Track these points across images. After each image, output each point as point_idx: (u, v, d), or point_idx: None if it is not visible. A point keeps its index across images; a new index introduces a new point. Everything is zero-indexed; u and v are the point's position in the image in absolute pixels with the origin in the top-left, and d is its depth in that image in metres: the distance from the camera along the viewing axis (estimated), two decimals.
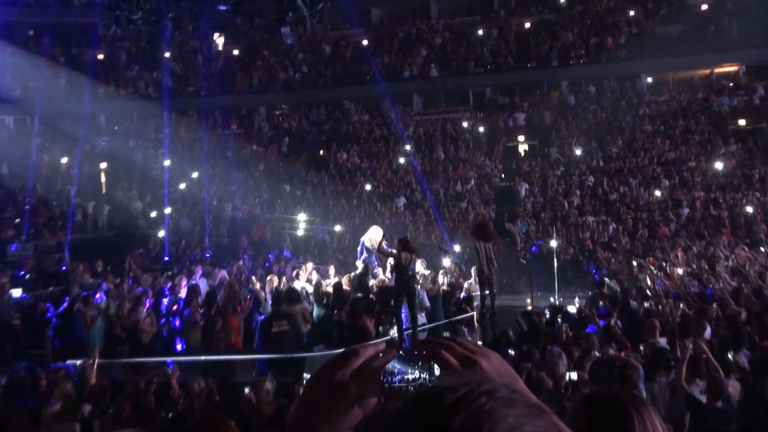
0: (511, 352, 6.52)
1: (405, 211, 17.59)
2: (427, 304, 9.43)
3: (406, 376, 0.86)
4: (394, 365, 0.86)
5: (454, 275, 11.31)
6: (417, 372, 0.86)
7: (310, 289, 9.87)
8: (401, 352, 0.88)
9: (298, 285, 9.82)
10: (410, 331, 8.35)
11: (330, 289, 9.71)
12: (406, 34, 24.14)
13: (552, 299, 11.21)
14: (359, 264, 10.26)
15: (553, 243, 13.25)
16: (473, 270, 9.98)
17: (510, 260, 13.19)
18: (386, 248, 9.29)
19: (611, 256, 13.48)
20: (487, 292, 9.07)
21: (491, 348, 0.94)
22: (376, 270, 10.12)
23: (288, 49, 22.13)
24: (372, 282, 9.54)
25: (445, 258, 10.80)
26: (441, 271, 10.96)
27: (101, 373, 6.02)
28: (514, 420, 0.66)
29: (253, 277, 11.18)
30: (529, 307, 10.21)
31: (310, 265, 10.89)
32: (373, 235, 9.91)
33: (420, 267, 9.79)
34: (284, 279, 10.60)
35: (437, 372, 0.86)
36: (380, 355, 0.89)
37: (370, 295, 9.43)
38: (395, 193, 18.69)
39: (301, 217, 16.47)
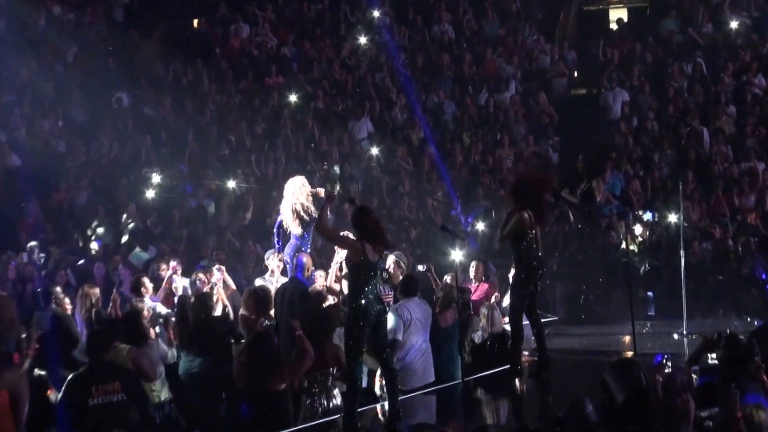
0: None
1: (371, 150, 13.82)
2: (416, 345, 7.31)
3: None
4: None
5: (472, 284, 8.82)
6: None
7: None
8: None
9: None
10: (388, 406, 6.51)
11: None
12: None
13: (676, 335, 9.13)
14: (270, 261, 8.34)
15: (673, 218, 10.34)
16: (511, 276, 7.74)
17: (587, 255, 10.75)
18: (327, 223, 7.33)
19: None
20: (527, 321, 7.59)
21: None
22: (312, 275, 7.95)
23: None
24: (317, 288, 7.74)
25: (455, 248, 8.10)
26: (448, 276, 8.35)
27: None
28: None
29: (57, 289, 8.45)
30: (629, 353, 8.15)
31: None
32: (294, 197, 8.13)
33: (394, 264, 8.17)
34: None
35: None
36: None
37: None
38: (350, 111, 14.72)
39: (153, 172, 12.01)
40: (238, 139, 14.15)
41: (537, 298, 7.56)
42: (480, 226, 11.52)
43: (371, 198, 12.29)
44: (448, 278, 8.30)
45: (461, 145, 13.87)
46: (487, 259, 10.01)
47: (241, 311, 7.36)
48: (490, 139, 14.08)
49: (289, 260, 8.21)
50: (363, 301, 6.18)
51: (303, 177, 8.55)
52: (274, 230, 8.69)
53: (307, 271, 7.59)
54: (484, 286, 8.82)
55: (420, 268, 8.77)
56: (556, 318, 10.03)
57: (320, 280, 7.85)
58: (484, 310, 7.80)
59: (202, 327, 7.19)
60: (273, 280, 8.25)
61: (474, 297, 8.53)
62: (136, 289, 8.02)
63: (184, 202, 13.01)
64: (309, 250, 8.25)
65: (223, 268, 8.43)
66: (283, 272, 8.15)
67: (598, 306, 10.69)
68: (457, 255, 7.67)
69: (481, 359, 7.65)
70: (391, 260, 8.17)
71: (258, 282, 8.63)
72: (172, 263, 8.54)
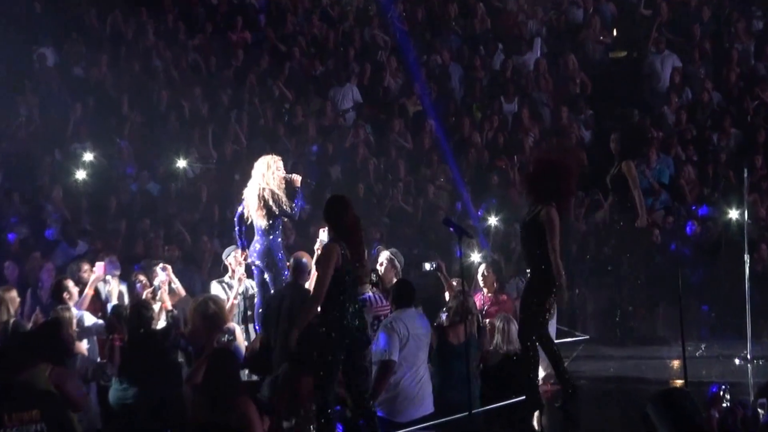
0: None
1: (358, 123, 14.18)
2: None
3: None
4: None
5: (481, 295, 9.02)
6: None
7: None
8: None
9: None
10: None
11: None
12: None
13: (737, 360, 9.29)
14: (231, 260, 8.84)
15: (735, 214, 10.62)
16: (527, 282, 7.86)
17: (625, 258, 10.62)
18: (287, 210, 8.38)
19: None
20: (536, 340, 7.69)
21: None
22: (283, 275, 8.46)
23: None
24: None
25: (465, 249, 8.83)
26: (454, 282, 8.64)
27: None
28: None
29: None
30: (677, 382, 8.37)
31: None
32: (264, 180, 8.56)
33: (388, 263, 8.56)
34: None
35: None
36: None
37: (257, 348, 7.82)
38: (332, 75, 14.96)
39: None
40: (192, 109, 14.21)
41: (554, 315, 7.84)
42: (492, 220, 11.66)
43: (356, 185, 12.43)
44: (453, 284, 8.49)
45: (471, 119, 13.96)
46: (501, 262, 10.17)
47: (189, 328, 7.51)
48: (507, 112, 14.16)
49: (259, 260, 8.40)
50: (337, 314, 6.36)
51: (277, 157, 8.65)
52: (235, 221, 8.80)
53: (308, 274, 7.75)
54: (503, 298, 9.00)
55: (427, 266, 8.90)
56: (586, 337, 10.18)
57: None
58: (498, 323, 7.93)
59: (139, 344, 7.27)
60: (234, 283, 8.41)
61: (491, 310, 8.74)
62: (57, 295, 8.08)
63: (123, 187, 13.10)
64: (282, 254, 8.46)
65: (169, 267, 8.49)
66: (249, 274, 8.35)
67: (639, 322, 10.81)
68: (475, 255, 7.89)
69: (493, 386, 7.79)
70: (383, 257, 8.33)
71: (214, 286, 8.87)
72: (100, 263, 8.67)
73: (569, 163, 7.84)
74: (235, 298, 8.61)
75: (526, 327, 7.49)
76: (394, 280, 8.07)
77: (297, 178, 8.46)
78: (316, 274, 6.83)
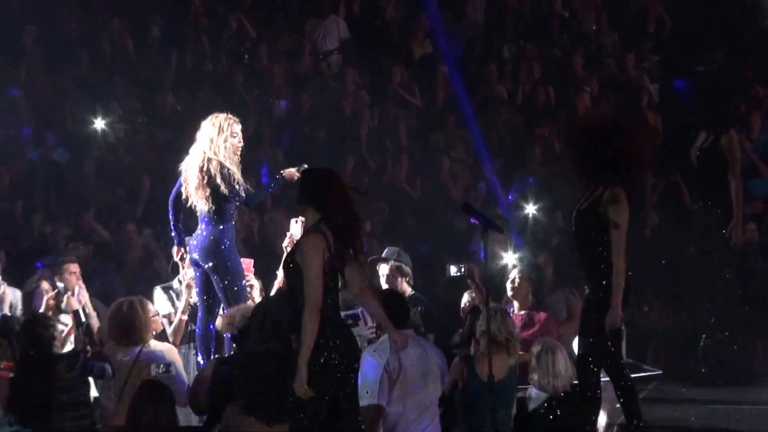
0: None
1: (345, 70, 14.48)
2: None
3: None
4: None
5: (512, 311, 9.40)
6: None
7: None
8: None
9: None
10: None
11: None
12: None
13: None
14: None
15: None
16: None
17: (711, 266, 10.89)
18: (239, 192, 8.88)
19: None
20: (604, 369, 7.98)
21: None
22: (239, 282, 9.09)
23: None
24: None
25: (500, 247, 9.76)
26: (465, 295, 9.25)
27: None
28: None
29: None
30: None
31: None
32: (212, 147, 8.95)
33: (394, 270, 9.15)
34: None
35: None
36: None
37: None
38: (310, 3, 15.32)
39: None
40: (115, 45, 14.45)
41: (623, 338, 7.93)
42: (530, 208, 11.97)
43: (342, 157, 12.61)
44: (465, 298, 8.94)
45: (499, 64, 14.06)
46: (541, 268, 10.47)
47: (107, 344, 7.99)
48: (550, 55, 14.34)
49: (201, 258, 8.62)
50: (320, 341, 6.45)
51: (231, 116, 8.77)
52: (169, 204, 8.96)
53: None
54: (541, 317, 9.22)
55: (453, 270, 9.24)
56: (657, 372, 10.29)
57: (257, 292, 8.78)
58: (540, 352, 8.06)
59: (34, 373, 7.54)
60: (182, 290, 8.84)
61: (523, 334, 8.96)
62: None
63: (18, 155, 13.31)
64: (235, 250, 8.69)
65: (76, 270, 8.78)
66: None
67: (730, 354, 10.91)
68: (509, 258, 8.51)
69: None
70: (384, 271, 8.74)
71: (158, 295, 9.38)
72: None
73: (639, 126, 7.98)
74: (183, 312, 8.91)
75: (587, 358, 7.57)
76: (408, 289, 8.44)
77: (291, 172, 8.54)
78: (306, 275, 6.83)
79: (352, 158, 12.53)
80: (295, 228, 8.31)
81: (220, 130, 8.72)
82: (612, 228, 7.37)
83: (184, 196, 8.83)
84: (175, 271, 9.37)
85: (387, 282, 8.74)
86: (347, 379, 6.68)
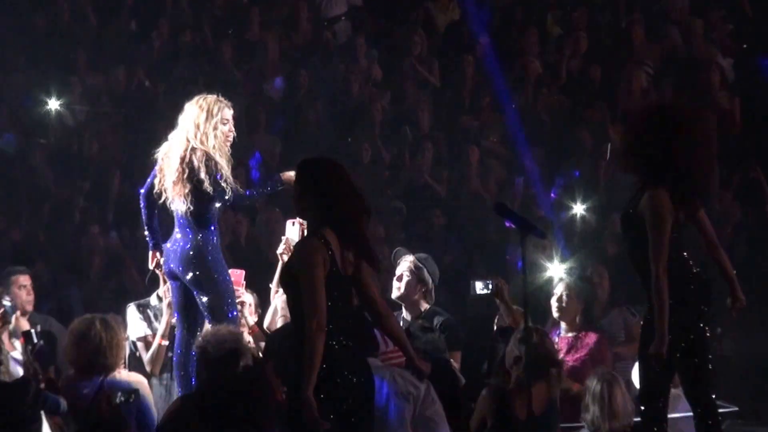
0: None
1: (355, 40, 14.89)
2: None
3: None
4: None
5: (558, 333, 9.73)
6: None
7: None
8: None
9: None
10: None
11: None
12: None
13: None
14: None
15: None
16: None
17: None
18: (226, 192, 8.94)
19: None
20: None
21: None
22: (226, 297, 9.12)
23: None
24: None
25: (542, 256, 10.19)
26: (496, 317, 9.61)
27: None
28: None
29: None
30: None
31: None
32: (198, 135, 9.00)
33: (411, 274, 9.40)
34: None
35: None
36: None
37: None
38: None
39: None
40: (74, 10, 14.67)
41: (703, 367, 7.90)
42: (577, 208, 12.21)
43: (351, 147, 13.03)
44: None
45: (541, 34, 14.29)
46: (594, 283, 10.60)
47: (64, 373, 8.32)
48: (604, 23, 14.52)
49: (178, 268, 8.63)
50: (324, 366, 6.45)
51: (222, 99, 8.83)
52: (141, 199, 9.00)
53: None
54: (590, 339, 9.38)
55: (479, 287, 9.39)
56: (734, 409, 10.19)
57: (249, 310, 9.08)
58: (594, 386, 8.21)
59: None
60: (164, 309, 8.99)
61: (569, 359, 9.18)
62: None
63: None
64: (220, 260, 8.70)
65: (27, 282, 9.01)
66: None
67: None
68: (555, 269, 9.09)
69: None
70: (404, 266, 8.86)
71: (131, 313, 9.54)
72: None
73: (701, 116, 7.94)
74: (163, 336, 9.06)
75: (650, 388, 7.59)
76: (423, 304, 8.69)
77: (291, 176, 8.28)
78: (305, 285, 6.80)
79: (365, 148, 12.70)
80: (292, 231, 8.46)
81: (209, 114, 8.73)
82: (649, 239, 7.43)
83: (156, 190, 8.77)
84: (153, 284, 9.35)
85: (403, 284, 8.82)
86: (363, 399, 6.66)
